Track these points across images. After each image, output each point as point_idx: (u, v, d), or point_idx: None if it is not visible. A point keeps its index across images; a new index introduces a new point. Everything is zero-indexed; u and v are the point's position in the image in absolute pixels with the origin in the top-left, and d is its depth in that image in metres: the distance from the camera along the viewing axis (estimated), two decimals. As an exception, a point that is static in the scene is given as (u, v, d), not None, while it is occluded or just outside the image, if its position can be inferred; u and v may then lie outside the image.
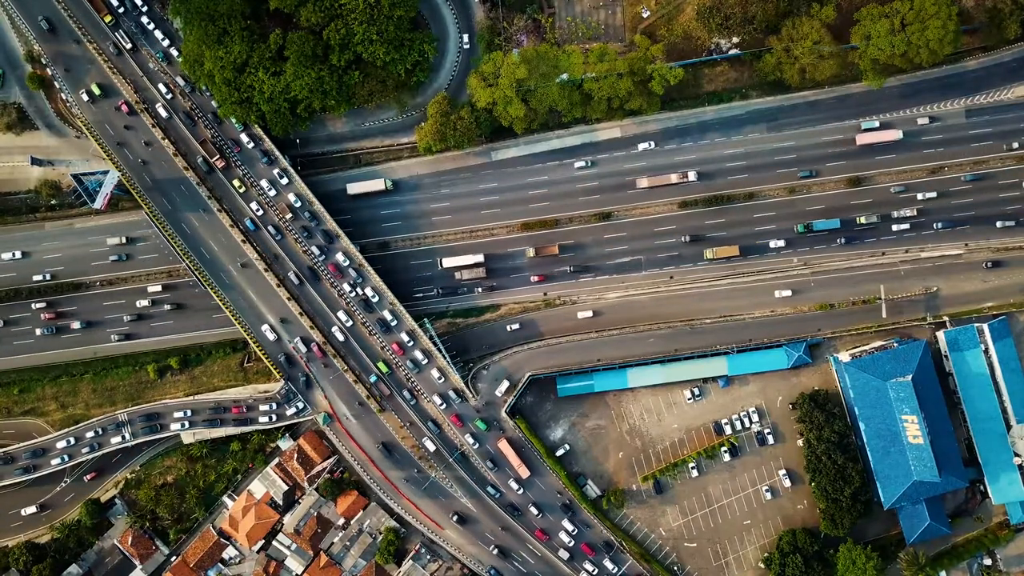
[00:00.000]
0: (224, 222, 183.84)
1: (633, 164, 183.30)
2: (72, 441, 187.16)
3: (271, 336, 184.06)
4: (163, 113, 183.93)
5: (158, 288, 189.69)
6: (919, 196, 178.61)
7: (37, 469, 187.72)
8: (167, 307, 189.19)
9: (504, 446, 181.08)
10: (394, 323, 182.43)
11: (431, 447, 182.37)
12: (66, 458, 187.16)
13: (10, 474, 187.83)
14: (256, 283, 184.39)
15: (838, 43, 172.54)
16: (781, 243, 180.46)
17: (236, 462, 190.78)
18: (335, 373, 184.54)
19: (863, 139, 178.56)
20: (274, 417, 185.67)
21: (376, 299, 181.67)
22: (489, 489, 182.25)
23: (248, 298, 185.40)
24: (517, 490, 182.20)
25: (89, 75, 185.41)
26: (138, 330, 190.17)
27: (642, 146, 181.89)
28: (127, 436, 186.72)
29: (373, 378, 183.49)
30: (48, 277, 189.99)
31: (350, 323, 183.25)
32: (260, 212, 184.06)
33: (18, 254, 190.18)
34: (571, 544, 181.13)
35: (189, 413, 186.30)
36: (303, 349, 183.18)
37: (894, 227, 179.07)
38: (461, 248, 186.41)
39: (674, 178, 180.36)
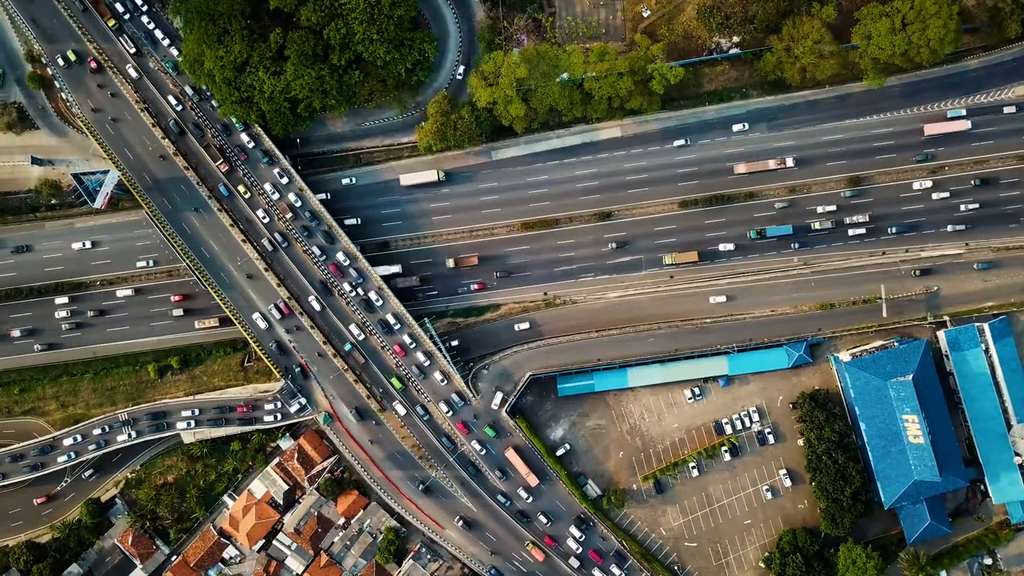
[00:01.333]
0: (224, 222, 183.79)
1: (731, 150, 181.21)
2: (79, 438, 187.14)
3: (263, 325, 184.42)
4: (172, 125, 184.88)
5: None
6: (935, 195, 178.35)
7: (45, 466, 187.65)
8: (90, 314, 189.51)
9: (512, 455, 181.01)
10: (397, 326, 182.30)
11: (442, 464, 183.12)
12: (73, 455, 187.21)
13: (18, 471, 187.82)
14: (263, 291, 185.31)
15: (839, 42, 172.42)
16: (731, 247, 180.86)
17: (236, 462, 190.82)
18: (335, 372, 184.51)
19: (933, 129, 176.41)
20: (279, 416, 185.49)
21: (380, 303, 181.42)
22: (499, 498, 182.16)
23: (249, 298, 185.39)
24: (527, 498, 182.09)
25: (88, 74, 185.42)
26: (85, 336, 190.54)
27: (736, 127, 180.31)
28: (133, 434, 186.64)
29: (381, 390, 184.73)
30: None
31: (362, 336, 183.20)
32: (267, 220, 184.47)
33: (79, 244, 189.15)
34: (579, 551, 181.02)
35: (197, 412, 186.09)
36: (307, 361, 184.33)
37: (850, 232, 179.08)
38: (461, 248, 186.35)
39: (772, 164, 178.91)
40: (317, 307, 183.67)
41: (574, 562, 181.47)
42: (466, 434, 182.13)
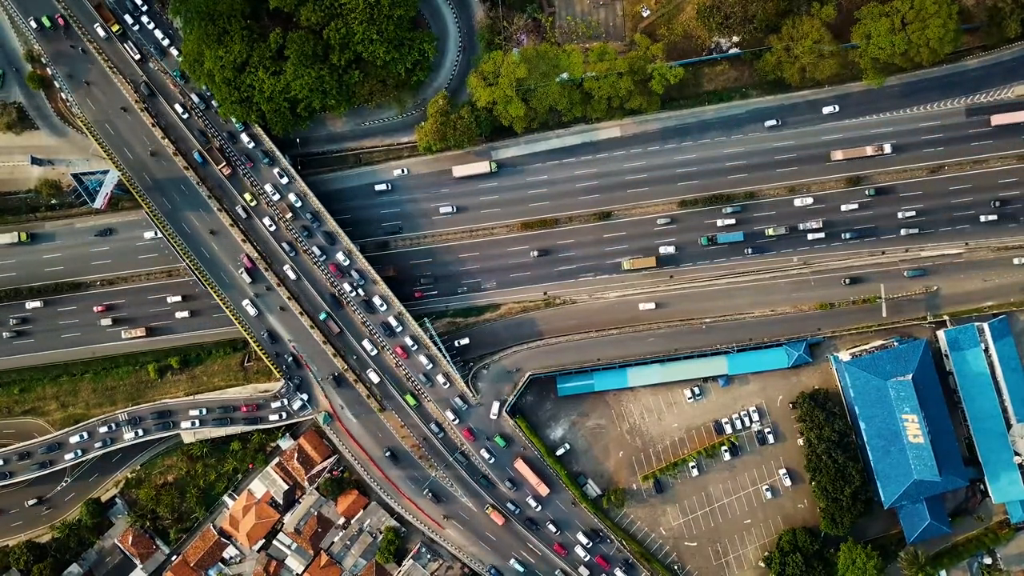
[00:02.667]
0: (224, 221, 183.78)
1: (828, 136, 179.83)
2: (85, 435, 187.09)
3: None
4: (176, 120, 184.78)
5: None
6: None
7: (54, 463, 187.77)
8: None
9: (521, 466, 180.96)
10: (399, 328, 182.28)
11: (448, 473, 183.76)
12: (79, 453, 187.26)
13: (27, 469, 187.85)
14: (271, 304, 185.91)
15: (838, 42, 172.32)
16: (671, 250, 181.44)
17: (236, 461, 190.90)
18: (336, 372, 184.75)
19: (1000, 120, 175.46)
20: (284, 414, 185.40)
21: (383, 306, 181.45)
22: (509, 506, 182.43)
23: (249, 295, 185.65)
24: (535, 507, 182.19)
25: (89, 74, 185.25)
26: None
27: (827, 110, 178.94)
28: (140, 432, 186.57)
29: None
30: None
31: (375, 352, 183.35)
32: (273, 228, 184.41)
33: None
34: (587, 559, 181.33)
35: (203, 411, 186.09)
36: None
37: (809, 236, 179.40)
38: (461, 248, 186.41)
39: (869, 150, 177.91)
40: (335, 330, 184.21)
41: (584, 571, 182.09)
42: (472, 441, 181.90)
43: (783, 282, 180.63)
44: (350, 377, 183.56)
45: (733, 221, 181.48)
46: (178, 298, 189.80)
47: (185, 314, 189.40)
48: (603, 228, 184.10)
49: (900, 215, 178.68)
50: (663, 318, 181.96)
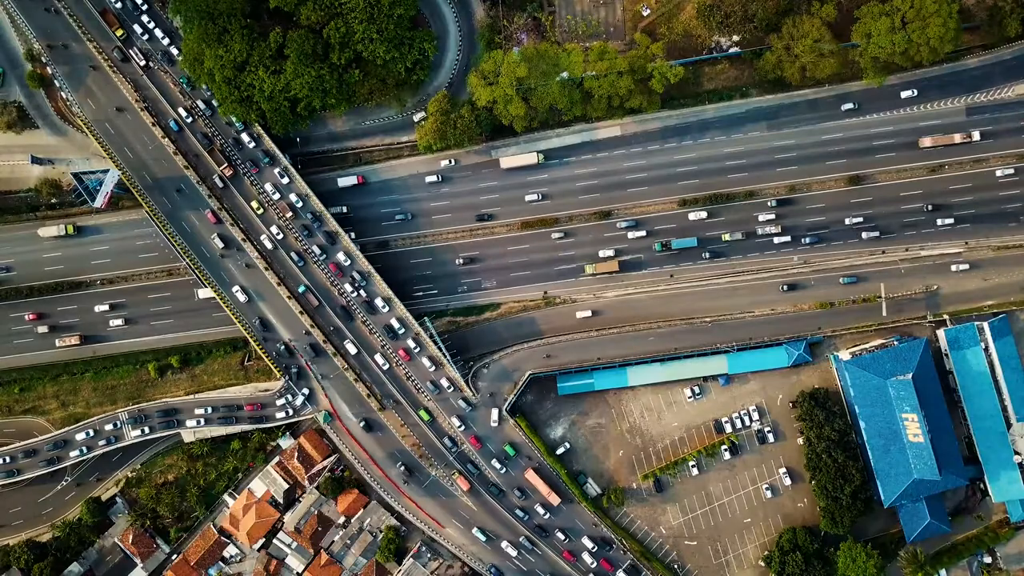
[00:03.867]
0: (224, 221, 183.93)
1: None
2: (91, 433, 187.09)
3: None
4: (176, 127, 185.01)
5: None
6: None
7: (61, 460, 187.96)
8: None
9: (532, 476, 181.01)
10: (401, 330, 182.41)
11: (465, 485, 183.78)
12: (85, 450, 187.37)
13: (35, 466, 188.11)
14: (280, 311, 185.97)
15: (839, 41, 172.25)
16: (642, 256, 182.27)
17: (237, 460, 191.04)
18: (336, 372, 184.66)
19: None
20: (290, 411, 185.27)
21: (386, 308, 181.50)
22: (518, 512, 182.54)
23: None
24: (544, 515, 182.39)
25: (90, 75, 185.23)
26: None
27: (905, 94, 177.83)
28: (146, 430, 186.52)
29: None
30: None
31: (387, 367, 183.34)
32: (280, 236, 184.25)
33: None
34: (594, 565, 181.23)
35: (208, 410, 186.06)
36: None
37: (775, 240, 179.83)
38: (461, 247, 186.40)
39: (958, 138, 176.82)
40: (350, 349, 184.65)
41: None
42: (479, 448, 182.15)
43: (783, 281, 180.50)
44: (362, 390, 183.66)
45: (702, 220, 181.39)
46: (105, 307, 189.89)
47: (76, 340, 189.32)
48: (604, 227, 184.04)
49: (847, 220, 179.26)
50: (663, 318, 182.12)
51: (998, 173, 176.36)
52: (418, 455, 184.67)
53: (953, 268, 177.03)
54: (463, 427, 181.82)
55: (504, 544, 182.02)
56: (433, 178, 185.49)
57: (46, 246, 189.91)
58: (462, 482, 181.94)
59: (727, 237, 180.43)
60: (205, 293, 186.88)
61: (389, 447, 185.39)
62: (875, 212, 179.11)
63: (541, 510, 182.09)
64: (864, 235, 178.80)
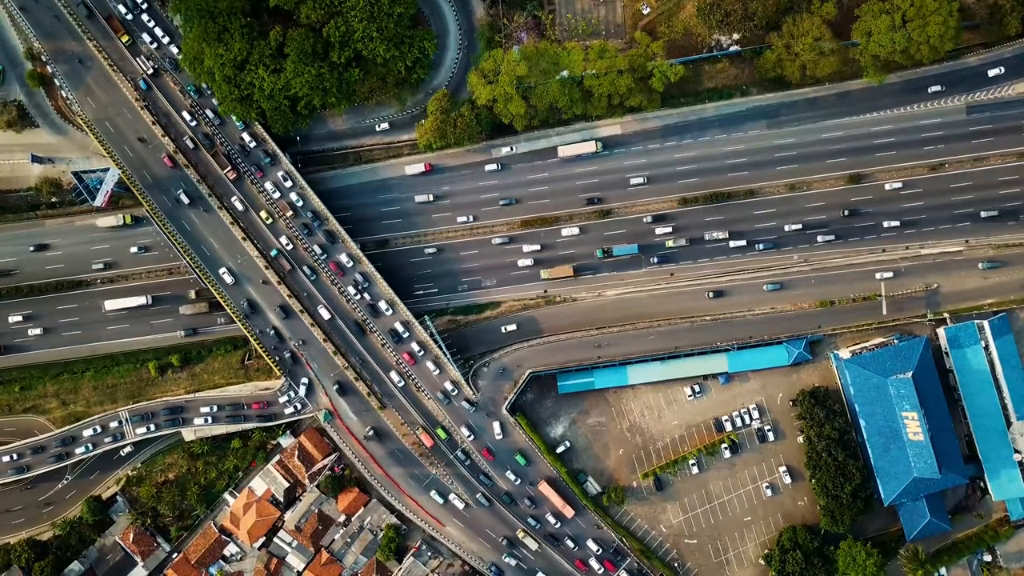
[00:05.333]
0: (224, 219, 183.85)
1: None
2: (99, 429, 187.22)
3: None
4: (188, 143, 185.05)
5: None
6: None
7: (70, 456, 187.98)
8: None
9: (545, 488, 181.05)
10: (405, 334, 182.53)
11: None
12: (90, 447, 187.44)
13: (43, 463, 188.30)
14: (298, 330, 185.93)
15: (839, 40, 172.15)
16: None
17: (237, 459, 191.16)
18: (335, 370, 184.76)
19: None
20: (298, 406, 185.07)
21: (390, 311, 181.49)
22: (529, 520, 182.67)
23: (250, 295, 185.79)
24: (554, 524, 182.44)
25: (91, 74, 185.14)
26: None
27: (993, 72, 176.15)
28: (151, 428, 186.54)
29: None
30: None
31: (402, 383, 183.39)
32: (290, 247, 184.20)
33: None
34: (601, 571, 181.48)
35: (215, 408, 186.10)
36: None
37: (731, 243, 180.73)
38: (462, 245, 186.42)
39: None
40: (362, 360, 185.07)
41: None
42: (491, 460, 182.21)
43: (782, 280, 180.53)
44: (374, 403, 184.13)
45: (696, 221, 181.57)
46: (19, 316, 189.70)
47: (38, 331, 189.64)
48: (604, 226, 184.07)
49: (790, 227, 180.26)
50: (663, 315, 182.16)
51: (886, 187, 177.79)
52: (419, 454, 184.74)
53: (877, 276, 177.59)
54: (473, 437, 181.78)
55: (503, 542, 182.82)
56: (493, 166, 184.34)
57: (96, 237, 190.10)
58: (426, 438, 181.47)
59: (670, 244, 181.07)
60: (112, 304, 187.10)
61: (390, 446, 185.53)
62: (926, 204, 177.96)
63: (552, 519, 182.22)
64: (820, 238, 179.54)
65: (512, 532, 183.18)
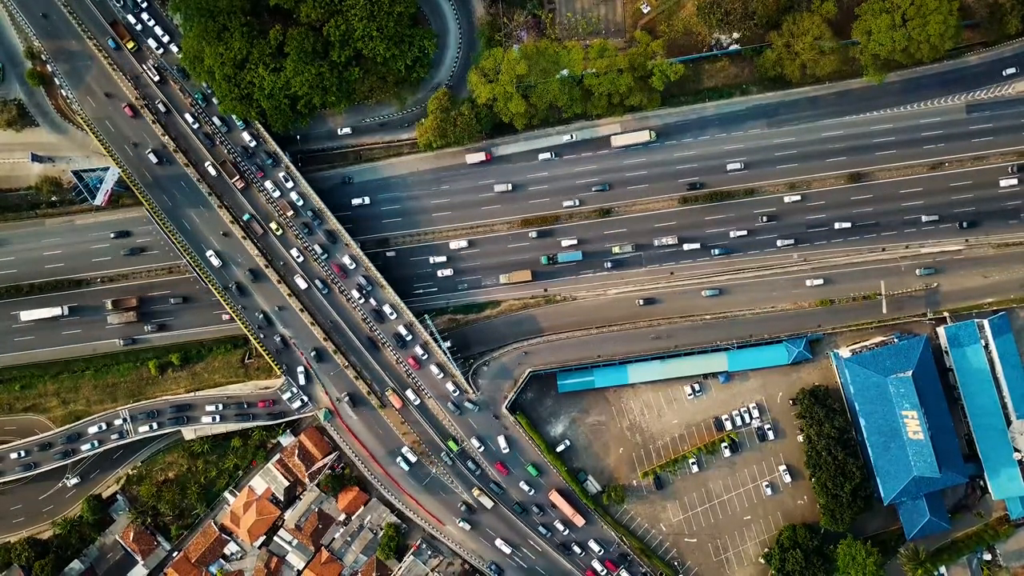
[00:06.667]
0: (224, 219, 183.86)
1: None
2: (104, 426, 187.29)
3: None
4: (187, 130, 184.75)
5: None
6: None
7: (76, 452, 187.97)
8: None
9: (556, 497, 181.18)
10: (409, 337, 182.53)
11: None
12: (96, 444, 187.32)
13: (49, 460, 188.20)
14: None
15: (839, 39, 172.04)
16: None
17: (237, 458, 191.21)
18: (335, 369, 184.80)
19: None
20: (304, 399, 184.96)
21: (393, 315, 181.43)
22: (541, 529, 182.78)
23: (250, 295, 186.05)
24: (563, 531, 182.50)
25: (91, 74, 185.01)
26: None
27: (1007, 72, 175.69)
28: (155, 426, 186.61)
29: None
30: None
31: (418, 402, 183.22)
32: (301, 259, 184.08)
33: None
34: (604, 573, 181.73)
35: (221, 406, 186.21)
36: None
37: (686, 246, 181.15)
38: (461, 245, 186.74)
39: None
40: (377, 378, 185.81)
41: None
42: (506, 475, 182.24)
43: (783, 279, 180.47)
44: (387, 417, 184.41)
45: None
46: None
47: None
48: (604, 225, 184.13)
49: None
50: (662, 314, 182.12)
51: (785, 200, 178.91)
52: (419, 452, 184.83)
53: (808, 283, 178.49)
54: (482, 448, 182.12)
55: (499, 542, 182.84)
56: (547, 155, 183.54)
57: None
58: (395, 399, 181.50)
59: (616, 250, 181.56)
60: (28, 315, 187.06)
61: (391, 445, 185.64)
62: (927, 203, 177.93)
63: (560, 526, 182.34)
64: (780, 243, 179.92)
65: (468, 491, 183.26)
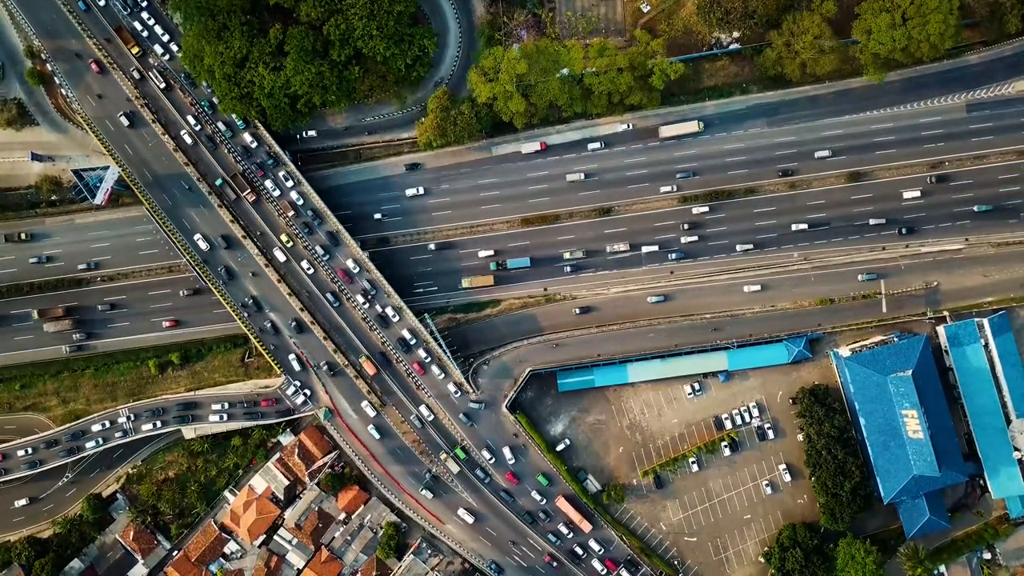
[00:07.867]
0: (225, 218, 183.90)
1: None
2: (107, 424, 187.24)
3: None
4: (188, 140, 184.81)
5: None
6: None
7: (80, 450, 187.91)
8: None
9: (563, 504, 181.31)
10: (412, 340, 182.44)
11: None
12: (100, 441, 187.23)
13: (54, 457, 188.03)
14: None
15: (839, 38, 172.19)
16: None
17: (237, 457, 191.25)
18: (336, 370, 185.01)
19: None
20: (308, 394, 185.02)
21: (396, 318, 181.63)
22: (550, 537, 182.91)
23: (250, 294, 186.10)
24: (568, 535, 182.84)
25: (91, 74, 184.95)
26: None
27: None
28: (158, 424, 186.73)
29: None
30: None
31: (432, 417, 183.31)
32: (312, 271, 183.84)
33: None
34: (604, 572, 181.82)
35: (227, 405, 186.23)
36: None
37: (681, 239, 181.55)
38: (463, 243, 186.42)
39: None
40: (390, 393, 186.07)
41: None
42: (516, 485, 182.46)
43: (783, 278, 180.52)
44: (399, 430, 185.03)
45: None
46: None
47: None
48: (604, 224, 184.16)
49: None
50: (664, 313, 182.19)
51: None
52: (418, 451, 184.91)
53: (746, 289, 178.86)
54: (493, 459, 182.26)
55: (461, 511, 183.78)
56: (596, 145, 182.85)
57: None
58: (368, 366, 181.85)
59: (567, 255, 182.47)
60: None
61: (391, 444, 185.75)
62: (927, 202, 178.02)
63: (565, 529, 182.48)
64: (739, 247, 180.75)
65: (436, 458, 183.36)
